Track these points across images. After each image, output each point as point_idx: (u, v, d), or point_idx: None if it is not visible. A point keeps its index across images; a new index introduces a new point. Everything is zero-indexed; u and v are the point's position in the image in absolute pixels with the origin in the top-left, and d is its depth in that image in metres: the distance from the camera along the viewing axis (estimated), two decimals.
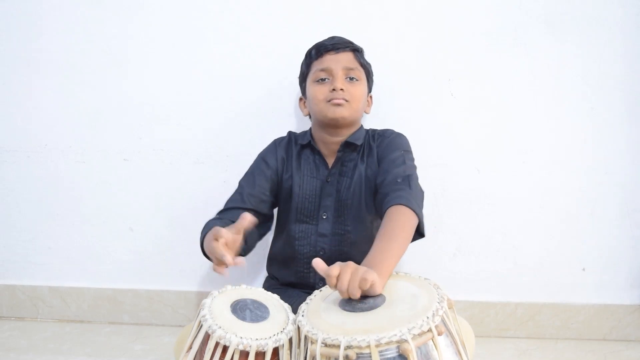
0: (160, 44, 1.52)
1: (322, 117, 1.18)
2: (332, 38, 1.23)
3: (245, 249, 1.13)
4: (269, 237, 1.32)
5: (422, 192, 1.08)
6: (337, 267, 0.80)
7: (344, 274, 0.79)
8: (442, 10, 1.42)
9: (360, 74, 1.21)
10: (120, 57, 1.54)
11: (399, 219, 0.98)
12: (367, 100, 1.28)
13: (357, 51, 1.23)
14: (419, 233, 1.02)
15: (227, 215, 1.15)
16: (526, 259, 1.45)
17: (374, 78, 1.29)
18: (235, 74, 1.50)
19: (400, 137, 1.23)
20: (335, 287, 0.80)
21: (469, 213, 1.46)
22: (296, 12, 1.46)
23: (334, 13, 1.44)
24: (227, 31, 1.49)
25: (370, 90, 1.28)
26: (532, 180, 1.43)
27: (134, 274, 1.60)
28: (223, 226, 1.01)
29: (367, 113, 1.29)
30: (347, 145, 1.21)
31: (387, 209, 1.00)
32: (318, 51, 1.21)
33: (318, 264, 0.82)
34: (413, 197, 1.03)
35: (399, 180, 1.07)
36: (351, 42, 1.23)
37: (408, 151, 1.18)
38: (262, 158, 1.26)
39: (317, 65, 1.20)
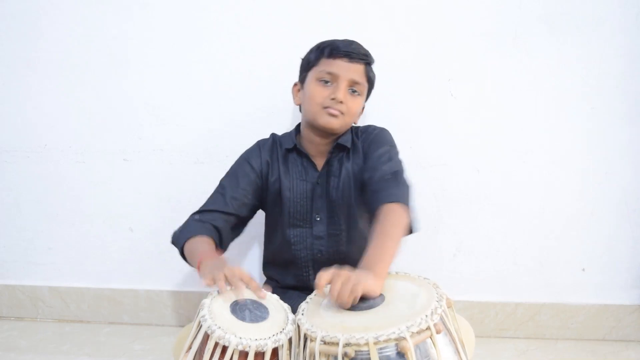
0: (160, 44, 1.52)
1: (313, 120, 1.15)
2: (351, 44, 1.15)
3: (221, 250, 1.14)
4: (261, 239, 1.32)
5: (410, 186, 1.08)
6: (326, 275, 0.83)
7: (334, 283, 0.82)
8: (442, 11, 1.42)
9: (364, 88, 1.16)
10: (120, 57, 1.54)
11: (392, 217, 0.99)
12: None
13: (369, 64, 1.17)
14: (411, 229, 1.02)
15: (207, 217, 1.14)
16: (526, 259, 1.45)
17: (375, 79, 1.25)
18: (235, 74, 1.50)
19: (383, 131, 1.21)
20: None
21: (469, 213, 1.46)
22: (296, 12, 1.46)
23: (334, 13, 1.44)
24: (227, 31, 1.49)
25: (366, 99, 1.23)
26: (532, 181, 1.43)
27: (134, 274, 1.60)
28: (206, 233, 1.09)
29: (355, 123, 1.22)
30: (337, 147, 1.18)
31: (380, 207, 1.01)
32: (331, 52, 1.13)
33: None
34: (403, 193, 1.04)
35: (387, 177, 1.07)
36: (367, 55, 1.16)
37: (393, 146, 1.17)
38: (246, 160, 1.22)
39: (325, 65, 1.13)
